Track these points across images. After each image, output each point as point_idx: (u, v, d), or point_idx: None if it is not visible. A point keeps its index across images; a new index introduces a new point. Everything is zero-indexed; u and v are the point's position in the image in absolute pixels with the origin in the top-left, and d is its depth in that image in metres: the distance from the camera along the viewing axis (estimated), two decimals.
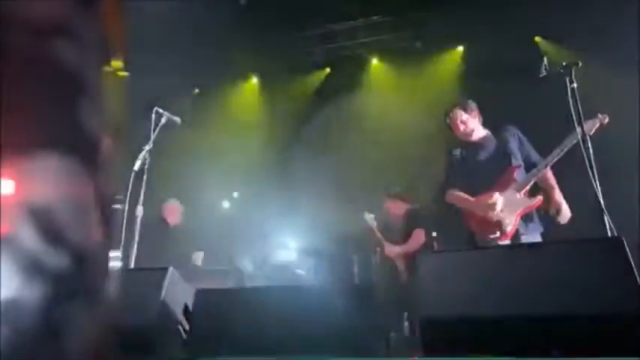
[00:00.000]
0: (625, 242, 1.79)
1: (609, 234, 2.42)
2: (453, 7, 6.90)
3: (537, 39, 6.84)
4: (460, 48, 7.39)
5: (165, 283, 2.25)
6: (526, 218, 3.26)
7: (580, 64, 2.86)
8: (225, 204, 7.47)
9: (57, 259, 0.36)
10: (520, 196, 3.24)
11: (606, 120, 3.01)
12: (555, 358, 1.59)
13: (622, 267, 1.73)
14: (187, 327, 2.25)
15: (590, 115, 2.95)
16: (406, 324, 4.77)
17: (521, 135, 3.50)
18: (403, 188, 5.48)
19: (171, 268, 2.33)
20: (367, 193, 7.73)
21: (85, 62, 0.41)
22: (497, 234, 3.23)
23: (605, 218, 2.46)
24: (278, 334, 1.99)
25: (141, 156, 3.33)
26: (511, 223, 3.21)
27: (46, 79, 0.39)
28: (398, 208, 5.27)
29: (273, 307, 2.08)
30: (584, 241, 1.92)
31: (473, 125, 3.52)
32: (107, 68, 0.45)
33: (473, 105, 3.56)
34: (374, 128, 7.86)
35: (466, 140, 3.55)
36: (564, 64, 2.89)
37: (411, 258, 4.80)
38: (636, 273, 1.68)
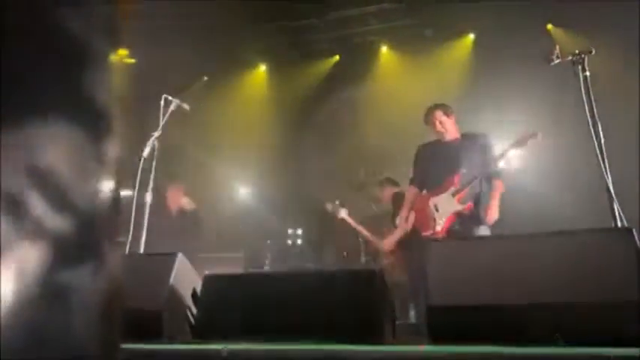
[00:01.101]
0: (635, 232, 1.78)
1: (619, 224, 2.40)
2: None
3: (549, 27, 6.74)
4: (471, 36, 7.30)
5: (174, 268, 2.27)
6: (467, 219, 3.59)
7: (593, 52, 2.81)
8: (234, 191, 7.51)
9: (61, 225, 0.36)
10: (454, 200, 3.61)
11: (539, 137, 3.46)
12: (560, 346, 1.59)
13: (632, 257, 1.72)
14: (195, 312, 2.28)
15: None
16: (412, 312, 4.80)
17: (489, 144, 3.79)
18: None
19: (180, 254, 2.35)
20: (375, 180, 7.73)
21: (94, 37, 0.41)
22: (430, 232, 3.63)
23: (615, 208, 2.43)
24: (284, 319, 2.00)
25: (150, 142, 3.34)
26: (442, 224, 3.60)
27: (55, 49, 0.39)
28: (388, 193, 5.60)
29: (280, 293, 2.09)
30: (593, 230, 1.91)
31: (448, 126, 3.86)
32: (114, 56, 0.45)
33: (451, 109, 3.92)
34: (382, 116, 7.82)
35: (440, 139, 3.89)
36: (577, 51, 2.85)
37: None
38: None
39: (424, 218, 3.71)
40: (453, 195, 3.61)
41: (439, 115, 3.86)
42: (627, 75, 5.28)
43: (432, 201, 3.68)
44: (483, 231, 3.56)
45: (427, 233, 3.65)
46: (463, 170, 3.65)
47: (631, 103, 5.09)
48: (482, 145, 3.77)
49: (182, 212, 5.68)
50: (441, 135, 3.86)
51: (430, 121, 3.90)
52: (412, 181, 4.04)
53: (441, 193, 3.67)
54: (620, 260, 1.74)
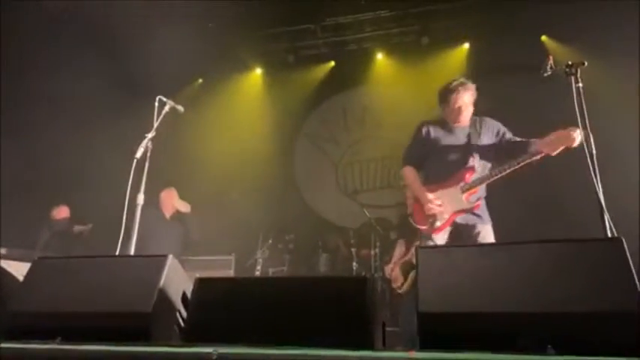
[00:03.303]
0: (624, 243, 1.80)
1: (609, 234, 2.42)
2: (460, 4, 6.87)
3: (543, 38, 6.81)
4: (466, 45, 7.36)
5: (164, 270, 2.25)
6: (470, 216, 3.30)
7: (586, 63, 2.84)
8: (226, 195, 7.48)
9: None
10: (462, 197, 3.29)
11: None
12: (551, 355, 1.59)
13: (621, 267, 1.73)
14: (185, 315, 2.26)
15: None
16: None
17: (502, 128, 3.47)
18: None
19: (170, 256, 2.33)
20: (368, 188, 7.75)
21: None
22: (427, 226, 3.32)
23: (606, 218, 2.45)
24: (275, 324, 1.99)
25: (143, 144, 3.33)
26: (443, 220, 3.27)
27: None
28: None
29: (271, 298, 2.08)
30: (583, 240, 1.92)
31: (469, 111, 3.48)
32: None
33: (475, 91, 3.52)
34: (376, 123, 7.85)
35: (450, 121, 3.51)
36: (570, 63, 2.87)
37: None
38: (635, 274, 1.69)
39: (422, 211, 3.33)
40: (463, 192, 3.27)
41: (469, 96, 3.43)
42: (621, 86, 5.35)
43: (437, 194, 3.30)
44: (486, 230, 3.30)
45: (423, 227, 3.32)
46: (477, 165, 3.32)
47: (621, 114, 5.15)
48: (496, 130, 3.44)
49: (177, 215, 5.65)
50: (454, 117, 3.46)
51: (454, 98, 3.42)
52: (409, 160, 3.58)
53: (449, 187, 3.30)
54: (611, 270, 1.75)
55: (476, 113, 3.55)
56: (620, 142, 4.71)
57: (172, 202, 5.63)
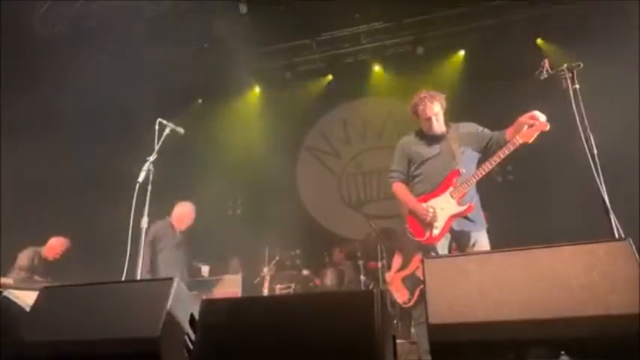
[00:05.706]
0: (632, 244, 1.78)
1: (616, 234, 2.40)
2: (454, 11, 6.92)
3: (539, 41, 6.84)
4: (461, 52, 7.39)
5: (171, 293, 2.24)
6: (464, 221, 3.33)
7: (582, 65, 2.84)
8: (231, 212, 7.49)
9: None
10: (453, 201, 3.32)
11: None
12: None
13: (630, 269, 1.71)
14: (193, 337, 2.25)
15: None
16: (414, 330, 4.74)
17: (479, 127, 3.53)
18: None
19: (176, 279, 2.32)
20: (372, 199, 7.74)
21: None
22: (425, 237, 3.35)
23: (612, 219, 2.43)
24: (282, 344, 1.97)
25: (145, 167, 3.33)
26: (440, 228, 3.31)
27: None
28: None
29: (277, 317, 2.06)
30: (592, 242, 1.90)
31: (441, 118, 3.54)
32: None
33: (444, 100, 3.58)
34: (376, 134, 7.87)
35: (426, 131, 3.57)
36: (566, 65, 2.88)
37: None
38: None
39: (418, 223, 3.39)
40: (452, 196, 3.31)
41: (436, 106, 3.49)
42: (614, 87, 5.35)
43: (429, 203, 3.36)
44: (481, 236, 3.33)
45: (422, 239, 3.36)
46: (462, 168, 3.35)
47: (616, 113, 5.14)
48: (475, 132, 3.49)
49: (186, 231, 5.45)
50: (429, 125, 3.51)
51: (423, 110, 3.49)
52: (397, 177, 3.66)
53: (439, 194, 3.36)
54: (620, 272, 1.73)
55: (457, 119, 3.65)
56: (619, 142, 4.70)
57: (190, 217, 5.32)
